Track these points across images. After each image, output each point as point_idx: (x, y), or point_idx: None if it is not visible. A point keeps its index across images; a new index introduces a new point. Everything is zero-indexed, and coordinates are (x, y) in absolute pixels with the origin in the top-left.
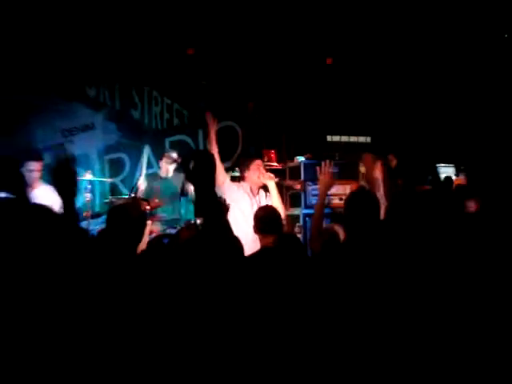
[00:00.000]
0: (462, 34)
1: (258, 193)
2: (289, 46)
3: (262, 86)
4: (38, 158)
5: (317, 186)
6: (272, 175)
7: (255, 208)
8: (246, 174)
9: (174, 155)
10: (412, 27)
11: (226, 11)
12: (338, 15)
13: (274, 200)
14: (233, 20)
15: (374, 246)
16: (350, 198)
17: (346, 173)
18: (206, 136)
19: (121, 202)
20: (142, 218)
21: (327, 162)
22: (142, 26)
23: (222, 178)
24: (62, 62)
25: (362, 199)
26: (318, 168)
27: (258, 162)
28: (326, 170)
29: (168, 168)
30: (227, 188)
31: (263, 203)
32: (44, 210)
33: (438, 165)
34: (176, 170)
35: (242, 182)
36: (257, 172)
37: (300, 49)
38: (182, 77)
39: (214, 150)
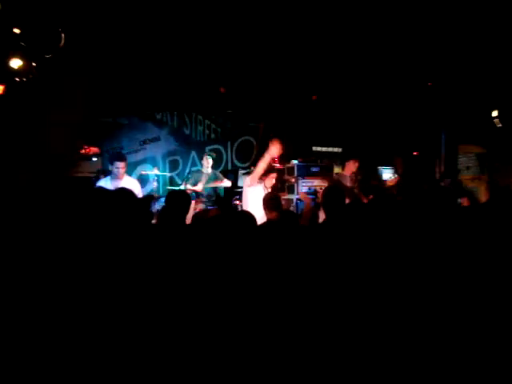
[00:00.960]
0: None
1: (268, 188)
2: (290, 87)
3: (270, 113)
4: (123, 159)
5: (305, 180)
6: (273, 181)
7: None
8: (264, 178)
9: (212, 155)
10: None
11: (250, 58)
12: (321, 62)
13: None
14: (253, 67)
15: (342, 221)
16: (325, 191)
17: (324, 171)
18: (232, 146)
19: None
20: (187, 198)
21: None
22: (190, 74)
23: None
24: (141, 95)
25: (332, 192)
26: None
27: (274, 174)
28: (307, 198)
29: (208, 162)
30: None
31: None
32: (128, 193)
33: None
34: (212, 166)
35: (262, 180)
36: (271, 179)
37: (295, 89)
38: (216, 106)
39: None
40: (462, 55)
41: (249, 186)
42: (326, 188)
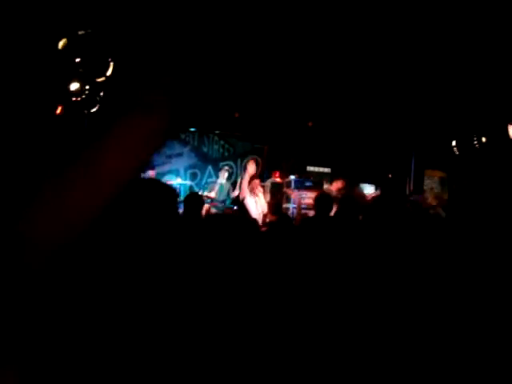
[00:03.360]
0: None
1: (257, 195)
2: (290, 116)
3: (272, 137)
4: (153, 168)
5: (300, 192)
6: (261, 189)
7: (257, 203)
8: (249, 188)
9: (227, 168)
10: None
11: (260, 88)
12: (317, 95)
13: (262, 200)
14: (260, 98)
15: (331, 222)
16: (317, 197)
17: (315, 187)
18: (241, 162)
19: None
20: (199, 197)
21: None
22: (209, 101)
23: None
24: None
25: (322, 198)
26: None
27: (256, 181)
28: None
29: (224, 175)
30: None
31: (259, 201)
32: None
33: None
34: (227, 179)
35: (252, 193)
36: (257, 186)
37: (294, 117)
38: (230, 129)
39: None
40: (430, 95)
41: (243, 200)
42: (318, 194)
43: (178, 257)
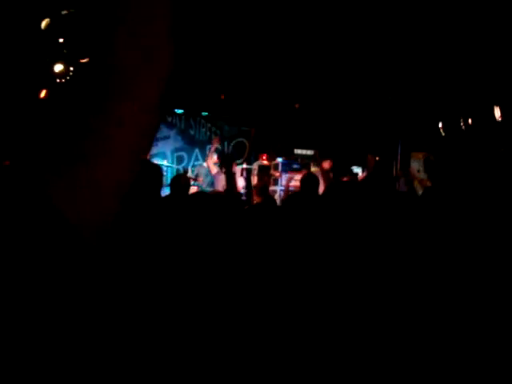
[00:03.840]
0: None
1: None
2: (274, 95)
3: (259, 119)
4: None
5: (287, 175)
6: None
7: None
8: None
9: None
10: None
11: (246, 69)
12: (304, 78)
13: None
14: (247, 79)
15: (317, 200)
16: (303, 178)
17: (303, 169)
18: (228, 145)
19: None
20: (187, 183)
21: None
22: (196, 83)
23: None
24: None
25: (308, 178)
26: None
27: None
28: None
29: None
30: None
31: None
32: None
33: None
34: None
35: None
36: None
37: (281, 99)
38: (217, 112)
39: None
40: (416, 77)
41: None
42: (304, 175)
43: (157, 239)
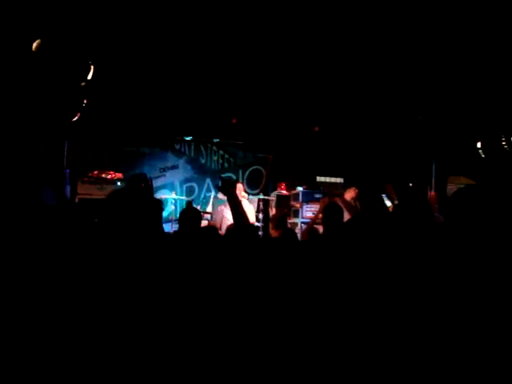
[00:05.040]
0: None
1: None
2: (292, 119)
3: (277, 145)
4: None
5: (309, 205)
6: (245, 195)
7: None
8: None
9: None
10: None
11: (260, 90)
12: (324, 98)
13: (248, 211)
14: (262, 101)
15: (340, 237)
16: (325, 207)
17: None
18: (243, 174)
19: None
20: (197, 216)
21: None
22: (206, 108)
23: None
24: (161, 127)
25: (331, 207)
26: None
27: (240, 185)
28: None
29: None
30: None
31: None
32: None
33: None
34: None
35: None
36: (237, 191)
37: (299, 122)
38: (230, 138)
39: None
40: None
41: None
42: (326, 204)
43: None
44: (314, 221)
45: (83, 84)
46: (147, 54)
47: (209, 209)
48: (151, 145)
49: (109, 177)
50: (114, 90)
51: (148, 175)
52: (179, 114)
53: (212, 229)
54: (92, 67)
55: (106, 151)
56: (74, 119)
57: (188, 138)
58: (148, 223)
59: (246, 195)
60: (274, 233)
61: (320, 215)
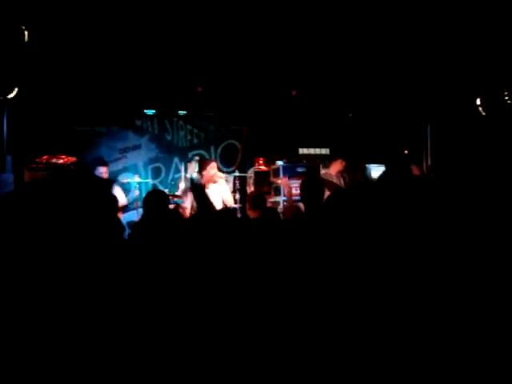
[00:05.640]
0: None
1: (208, 187)
2: (268, 84)
3: (253, 114)
4: (105, 164)
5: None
6: (222, 175)
7: (217, 193)
8: (204, 173)
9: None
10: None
11: (227, 52)
12: (303, 57)
13: (226, 192)
14: (232, 68)
15: (321, 213)
16: (302, 184)
17: (310, 171)
18: (215, 150)
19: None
20: (164, 201)
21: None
22: (169, 75)
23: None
24: (119, 101)
25: (309, 183)
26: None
27: (214, 163)
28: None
29: (195, 168)
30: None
31: (211, 195)
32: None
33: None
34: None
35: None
36: (212, 171)
37: (277, 88)
38: (199, 110)
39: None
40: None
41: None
42: (303, 180)
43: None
44: (290, 197)
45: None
46: (101, 19)
47: (179, 192)
48: (108, 123)
49: (60, 161)
50: (63, 60)
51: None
52: (138, 85)
53: (176, 212)
54: (26, 32)
55: (55, 132)
56: (11, 95)
57: (150, 113)
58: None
59: (224, 175)
60: (252, 213)
61: (292, 192)
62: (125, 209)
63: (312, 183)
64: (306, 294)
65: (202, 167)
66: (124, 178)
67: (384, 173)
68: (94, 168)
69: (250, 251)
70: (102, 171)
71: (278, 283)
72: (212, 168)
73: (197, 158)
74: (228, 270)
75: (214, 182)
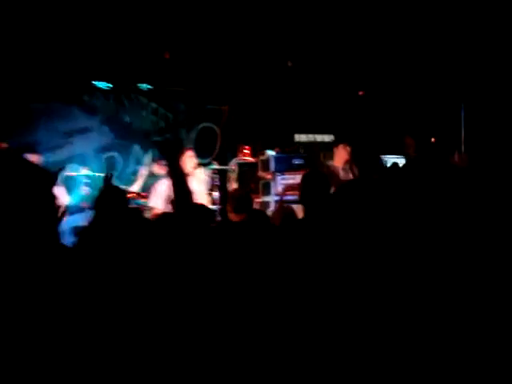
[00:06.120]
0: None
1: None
2: (257, 52)
3: (236, 89)
4: (34, 151)
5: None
6: (199, 169)
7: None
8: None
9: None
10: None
11: (202, 17)
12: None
13: (201, 186)
14: (209, 28)
15: (324, 218)
16: (302, 180)
17: (310, 164)
18: (187, 135)
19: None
20: (122, 200)
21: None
22: (124, 35)
23: None
24: (61, 70)
25: (311, 179)
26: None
27: (190, 152)
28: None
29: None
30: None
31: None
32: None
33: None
34: None
35: None
36: (189, 163)
37: (266, 54)
38: (166, 84)
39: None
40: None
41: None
42: (303, 176)
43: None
44: (282, 197)
45: None
46: None
47: (135, 187)
48: (47, 98)
49: None
50: None
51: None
52: (87, 50)
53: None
54: None
55: None
56: None
57: (103, 86)
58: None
59: (201, 168)
60: (234, 217)
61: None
62: (67, 211)
63: (315, 179)
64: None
65: (172, 156)
66: (68, 171)
67: (405, 166)
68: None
69: (229, 266)
70: (31, 160)
71: (266, 310)
72: (189, 158)
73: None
74: (204, 291)
75: (190, 175)
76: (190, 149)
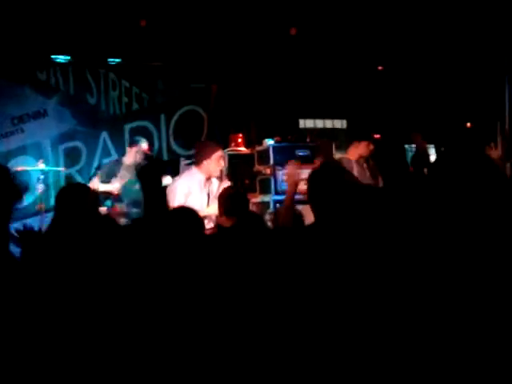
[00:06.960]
0: None
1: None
2: (253, 16)
3: (227, 64)
4: None
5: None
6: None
7: (205, 201)
8: (205, 163)
9: (144, 145)
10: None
11: None
12: None
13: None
14: None
15: (340, 226)
16: (311, 177)
17: (317, 155)
18: (168, 121)
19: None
20: (89, 201)
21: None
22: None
23: None
24: (9, 40)
25: (322, 176)
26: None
27: (221, 152)
28: (291, 168)
29: (137, 158)
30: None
31: (215, 192)
32: None
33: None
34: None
35: (193, 170)
36: (218, 163)
37: (264, 19)
38: (140, 57)
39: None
40: None
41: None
42: (313, 172)
43: None
44: (291, 195)
45: None
46: None
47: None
48: None
49: None
50: None
51: None
52: (43, 16)
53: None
54: None
55: None
56: None
57: (62, 60)
58: None
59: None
60: (224, 221)
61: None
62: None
63: (327, 175)
64: None
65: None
66: (19, 165)
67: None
68: None
69: (217, 279)
70: None
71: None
72: (219, 159)
73: (144, 141)
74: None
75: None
76: (219, 147)
